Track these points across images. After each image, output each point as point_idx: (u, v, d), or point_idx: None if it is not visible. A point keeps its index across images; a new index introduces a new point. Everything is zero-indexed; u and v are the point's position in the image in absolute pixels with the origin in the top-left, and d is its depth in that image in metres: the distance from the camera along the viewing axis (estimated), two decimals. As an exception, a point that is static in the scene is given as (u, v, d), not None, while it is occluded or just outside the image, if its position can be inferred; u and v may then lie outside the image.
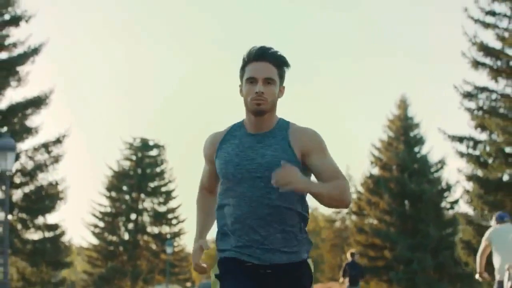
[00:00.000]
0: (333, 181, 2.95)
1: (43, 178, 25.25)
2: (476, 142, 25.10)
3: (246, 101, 3.03)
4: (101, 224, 40.54)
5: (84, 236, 44.70)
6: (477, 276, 8.81)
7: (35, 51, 24.59)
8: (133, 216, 40.99)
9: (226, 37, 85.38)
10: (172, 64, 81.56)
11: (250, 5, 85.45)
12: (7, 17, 24.62)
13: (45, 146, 25.09)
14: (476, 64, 24.49)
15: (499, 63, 24.42)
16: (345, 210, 49.82)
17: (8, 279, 15.52)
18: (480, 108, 24.71)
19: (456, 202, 34.89)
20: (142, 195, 41.39)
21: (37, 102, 24.78)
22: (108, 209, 40.77)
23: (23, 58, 24.44)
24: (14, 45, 24.73)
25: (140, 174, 41.33)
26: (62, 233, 26.29)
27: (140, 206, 41.29)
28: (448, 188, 35.58)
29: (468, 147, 25.16)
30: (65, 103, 62.06)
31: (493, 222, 8.91)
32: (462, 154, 25.26)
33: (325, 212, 55.02)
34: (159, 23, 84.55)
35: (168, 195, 41.96)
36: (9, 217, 23.32)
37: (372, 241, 35.97)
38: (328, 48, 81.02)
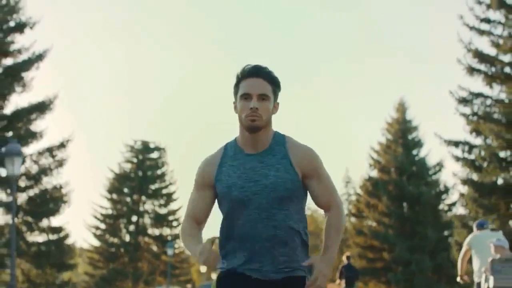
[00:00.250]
0: (333, 221, 3.07)
1: (47, 182, 25.45)
2: (471, 147, 25.37)
3: (240, 117, 2.98)
4: (103, 226, 40.60)
5: (86, 238, 44.77)
6: (458, 278, 9.49)
7: (39, 57, 24.76)
8: (134, 218, 41.05)
9: (226, 37, 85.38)
10: (172, 64, 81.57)
11: (250, 5, 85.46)
12: (12, 24, 24.81)
13: (50, 150, 25.30)
14: (471, 70, 24.79)
15: (493, 69, 24.74)
16: (344, 212, 50.09)
17: (15, 281, 15.70)
18: (475, 114, 24.97)
19: (453, 204, 34.97)
20: (143, 197, 41.45)
21: (42, 107, 24.96)
22: (110, 211, 40.85)
23: (28, 64, 24.59)
24: (19, 51, 24.91)
25: (141, 177, 41.40)
26: (66, 236, 26.45)
27: (141, 208, 41.35)
28: (446, 190, 35.78)
29: (463, 151, 25.43)
30: (66, 105, 62.07)
31: (474, 229, 9.53)
32: (457, 158, 25.51)
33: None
34: (159, 23, 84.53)
35: (169, 197, 42.05)
36: (15, 220, 23.59)
37: (371, 243, 36.13)
38: (328, 48, 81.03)
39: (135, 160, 42.21)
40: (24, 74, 24.70)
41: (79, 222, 66.26)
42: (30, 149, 25.13)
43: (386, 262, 35.14)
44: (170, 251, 37.20)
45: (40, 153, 25.16)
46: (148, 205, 41.79)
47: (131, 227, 41.01)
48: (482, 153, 24.82)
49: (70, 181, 26.37)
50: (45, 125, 25.80)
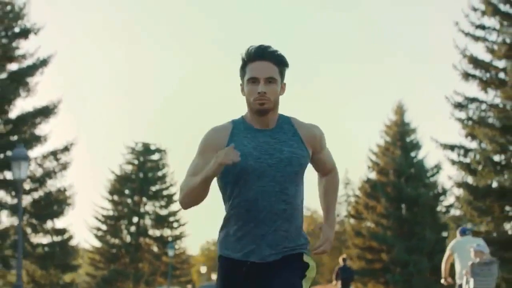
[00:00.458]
0: (332, 180, 3.23)
1: (51, 185, 25.77)
2: (466, 150, 25.70)
3: (248, 101, 2.99)
4: (104, 227, 40.73)
5: (87, 239, 44.53)
6: (442, 280, 10.29)
7: (44, 63, 25.09)
8: (135, 219, 41.20)
9: (226, 37, 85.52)
10: (172, 64, 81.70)
11: (250, 5, 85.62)
12: (17, 30, 25.14)
13: (54, 153, 25.64)
14: (467, 76, 25.15)
15: (488, 75, 25.09)
16: (343, 214, 50.34)
17: (21, 281, 15.97)
18: (470, 118, 25.29)
19: (451, 206, 35.10)
20: (144, 199, 41.57)
21: (46, 112, 25.30)
22: (111, 213, 40.97)
23: (33, 69, 24.92)
24: (24, 56, 25.22)
25: (142, 178, 41.49)
26: (70, 237, 26.76)
27: (142, 210, 41.47)
28: (444, 192, 35.90)
29: (459, 155, 25.76)
30: (67, 108, 62.35)
31: (457, 235, 10.22)
32: (453, 162, 25.83)
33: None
34: (159, 23, 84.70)
35: (170, 199, 42.14)
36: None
37: (370, 244, 36.19)
38: (328, 49, 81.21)
39: (136, 162, 42.29)
40: (28, 79, 24.99)
41: (81, 223, 66.50)
42: (35, 153, 25.45)
43: (385, 263, 35.22)
44: (170, 252, 37.47)
45: (45, 157, 25.48)
46: (149, 207, 41.91)
47: (132, 228, 41.15)
48: (477, 157, 25.11)
49: (73, 183, 26.67)
50: (49, 129, 26.17)
